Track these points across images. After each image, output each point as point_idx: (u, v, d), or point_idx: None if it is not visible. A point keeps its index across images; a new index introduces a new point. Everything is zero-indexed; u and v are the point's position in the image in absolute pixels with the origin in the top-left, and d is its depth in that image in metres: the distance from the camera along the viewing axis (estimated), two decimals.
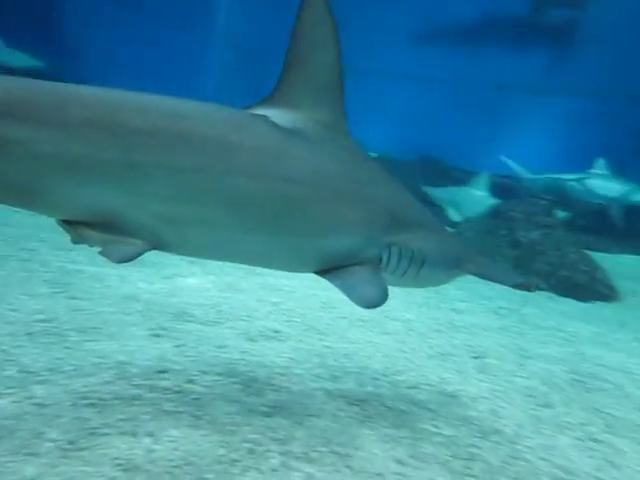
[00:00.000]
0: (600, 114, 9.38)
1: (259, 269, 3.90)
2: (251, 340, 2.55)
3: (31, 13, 9.26)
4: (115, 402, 1.72)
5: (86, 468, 1.38)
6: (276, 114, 1.67)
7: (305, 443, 1.63)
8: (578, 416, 2.35)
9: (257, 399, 1.88)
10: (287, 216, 1.65)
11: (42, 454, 1.42)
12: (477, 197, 8.08)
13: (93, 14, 10.37)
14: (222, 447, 1.56)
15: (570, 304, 5.05)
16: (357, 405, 2.04)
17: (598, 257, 7.60)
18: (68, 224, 1.51)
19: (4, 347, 2.00)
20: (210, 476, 1.43)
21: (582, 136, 9.52)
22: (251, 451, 1.56)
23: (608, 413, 2.43)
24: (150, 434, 1.57)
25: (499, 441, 1.97)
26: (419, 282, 2.00)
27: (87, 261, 3.31)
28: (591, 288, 5.39)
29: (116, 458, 1.44)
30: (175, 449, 1.51)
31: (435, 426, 2.00)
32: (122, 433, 1.54)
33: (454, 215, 8.16)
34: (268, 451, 1.54)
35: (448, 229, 2.23)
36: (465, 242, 2.16)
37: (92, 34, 10.20)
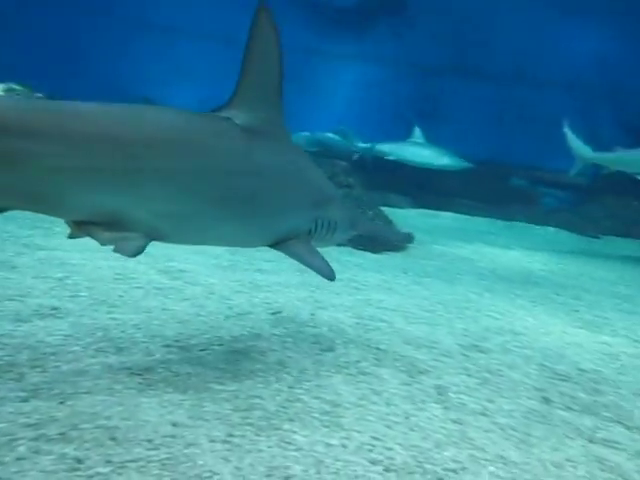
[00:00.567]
0: (388, 80, 10.37)
1: (33, 245, 3.49)
2: (19, 321, 2.28)
3: None
4: None
5: None
6: (236, 115, 2.01)
7: (65, 423, 1.53)
8: (354, 355, 2.64)
9: (14, 385, 1.69)
10: (250, 204, 2.05)
11: None
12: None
13: None
14: None
15: (366, 257, 5.57)
16: (140, 375, 1.98)
17: (392, 212, 8.57)
18: (77, 224, 1.71)
19: None
20: None
21: (376, 100, 10.45)
22: None
23: (378, 348, 2.77)
24: None
25: (280, 388, 2.11)
26: (329, 243, 2.65)
27: None
28: (384, 241, 6.02)
29: None
30: None
31: (220, 383, 2.06)
32: None
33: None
34: (15, 439, 1.41)
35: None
36: (356, 210, 2.91)
37: None
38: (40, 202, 1.64)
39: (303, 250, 2.37)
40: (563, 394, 2.39)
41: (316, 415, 1.92)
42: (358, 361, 2.57)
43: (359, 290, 4.07)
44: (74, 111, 1.63)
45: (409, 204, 9.48)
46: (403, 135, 9.72)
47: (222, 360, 2.29)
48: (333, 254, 5.43)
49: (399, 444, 1.79)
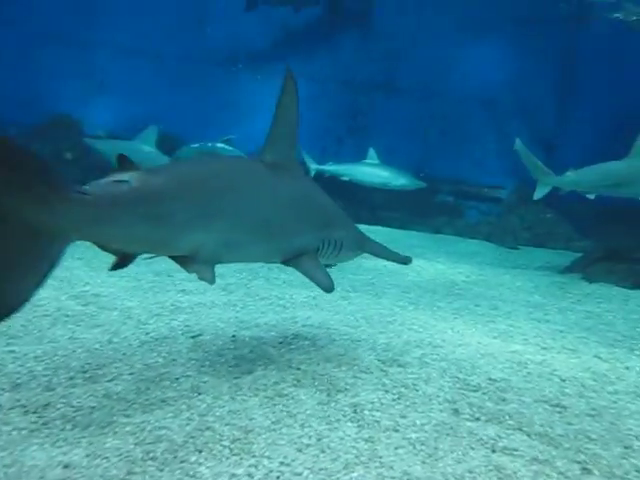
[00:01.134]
0: (318, 97, 10.55)
1: None
2: None
3: None
4: None
5: None
6: (265, 157, 2.63)
7: None
8: (273, 376, 2.62)
9: None
10: (274, 228, 2.57)
11: None
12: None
13: None
14: None
15: (296, 273, 5.57)
16: (35, 413, 1.87)
17: None
18: (173, 258, 2.24)
19: None
20: None
21: (306, 115, 10.60)
22: None
23: (299, 368, 2.77)
24: None
25: (190, 417, 2.06)
26: (337, 260, 3.16)
27: None
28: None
29: None
30: None
31: (127, 416, 1.98)
32: None
33: None
34: None
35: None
36: (363, 232, 3.31)
37: None
38: (160, 248, 2.20)
39: (309, 265, 2.81)
40: (472, 405, 2.49)
41: (226, 443, 1.89)
42: (277, 383, 2.56)
43: (285, 308, 4.07)
44: (190, 177, 2.27)
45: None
46: (339, 154, 9.88)
47: (131, 390, 2.20)
48: (262, 272, 5.42)
49: (308, 468, 1.79)
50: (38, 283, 1.68)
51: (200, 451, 1.81)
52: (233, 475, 1.68)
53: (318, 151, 9.90)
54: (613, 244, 6.66)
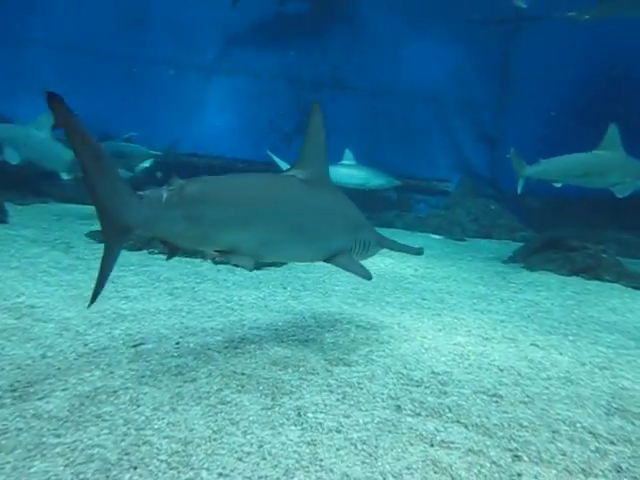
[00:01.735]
0: (266, 95, 10.50)
1: None
2: None
3: None
4: None
5: None
6: (299, 174, 3.08)
7: None
8: (217, 384, 2.59)
9: None
10: (313, 231, 3.10)
11: None
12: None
13: None
14: None
15: (244, 274, 5.53)
16: None
17: None
18: (218, 252, 2.79)
19: None
20: None
21: (253, 114, 10.51)
22: None
23: (244, 373, 2.75)
24: None
25: (127, 432, 2.00)
26: (365, 256, 3.53)
27: None
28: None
29: None
30: None
31: (57, 436, 1.90)
32: None
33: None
34: None
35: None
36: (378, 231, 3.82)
37: None
38: (202, 242, 2.75)
39: (346, 262, 3.27)
40: (414, 400, 2.55)
41: (163, 457, 1.85)
42: (220, 390, 2.53)
43: (234, 311, 4.02)
44: (223, 186, 2.83)
45: None
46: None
47: (64, 408, 2.12)
48: (210, 274, 5.34)
49: (247, 477, 1.79)
50: (114, 261, 2.48)
51: (135, 468, 1.76)
52: None
53: (269, 148, 9.82)
54: (552, 233, 6.97)
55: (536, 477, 1.88)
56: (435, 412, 2.43)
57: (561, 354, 3.40)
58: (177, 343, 3.12)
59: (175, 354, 2.94)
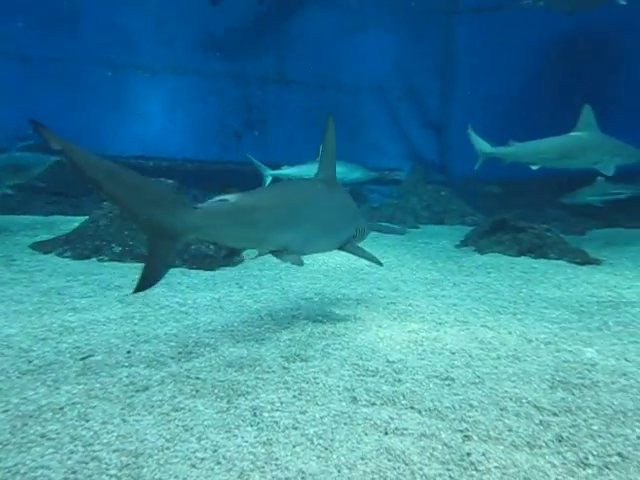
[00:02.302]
0: (211, 93, 10.32)
1: None
2: None
3: None
4: None
5: None
6: (321, 179, 3.74)
7: None
8: (170, 391, 2.54)
9: None
10: (332, 227, 3.69)
11: None
12: None
13: None
14: None
15: (200, 275, 5.45)
16: None
17: None
18: (271, 252, 3.27)
19: None
20: None
21: (200, 113, 10.31)
22: None
23: (198, 378, 2.71)
24: None
25: (74, 449, 1.94)
26: (361, 240, 4.08)
27: None
28: (218, 256, 5.95)
29: None
30: None
31: None
32: None
33: None
34: None
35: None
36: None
37: None
38: (257, 243, 3.26)
39: (353, 248, 3.86)
40: (369, 390, 2.58)
41: (113, 472, 1.80)
42: (174, 396, 2.48)
43: (188, 315, 3.96)
44: (271, 195, 3.43)
45: None
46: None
47: (5, 430, 2.03)
48: (163, 279, 5.22)
49: None
50: (168, 266, 2.92)
51: None
52: None
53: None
54: (500, 216, 7.19)
55: (484, 454, 1.95)
56: (390, 400, 2.47)
57: (510, 333, 3.53)
58: (128, 352, 3.04)
59: (126, 364, 2.87)
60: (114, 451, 1.94)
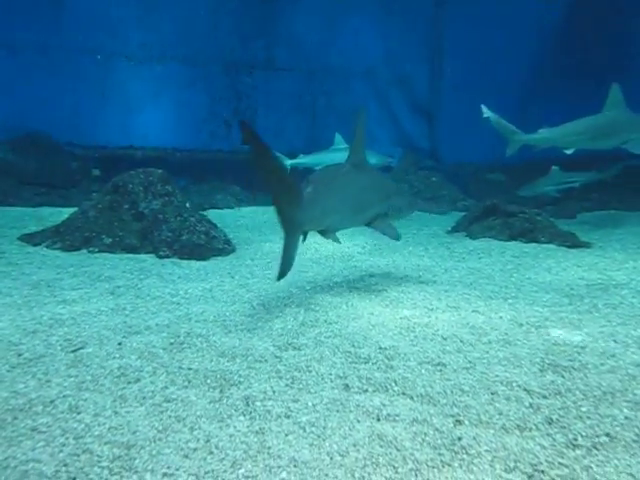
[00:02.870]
0: (200, 80, 10.17)
1: None
2: None
3: None
4: None
5: None
6: (352, 162, 4.12)
7: None
8: (162, 382, 2.54)
9: None
10: (361, 205, 4.09)
11: None
12: None
13: None
14: None
15: (191, 266, 5.42)
16: None
17: (220, 214, 8.48)
18: (319, 232, 3.80)
19: None
20: None
21: (188, 101, 10.17)
22: None
23: (190, 368, 2.70)
24: None
25: (65, 442, 1.93)
26: (399, 217, 4.59)
27: None
28: (210, 246, 5.93)
29: None
30: None
31: None
32: None
33: None
34: None
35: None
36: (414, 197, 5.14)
37: None
38: (312, 226, 3.66)
39: (381, 225, 4.22)
40: (361, 377, 2.59)
41: (105, 464, 1.80)
42: (165, 387, 2.48)
43: (179, 305, 3.94)
44: (328, 183, 3.87)
45: (239, 203, 9.48)
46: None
47: None
48: (155, 269, 5.20)
49: (193, 474, 1.77)
50: (295, 253, 3.44)
51: (74, 478, 1.70)
52: None
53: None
54: (490, 201, 7.20)
55: (475, 438, 1.96)
56: (382, 387, 2.48)
57: (501, 317, 3.55)
58: (119, 344, 3.03)
59: (117, 355, 2.86)
60: (106, 443, 1.94)
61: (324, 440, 2.01)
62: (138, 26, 10.04)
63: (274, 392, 2.45)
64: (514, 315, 3.60)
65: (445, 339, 3.13)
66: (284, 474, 1.78)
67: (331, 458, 1.87)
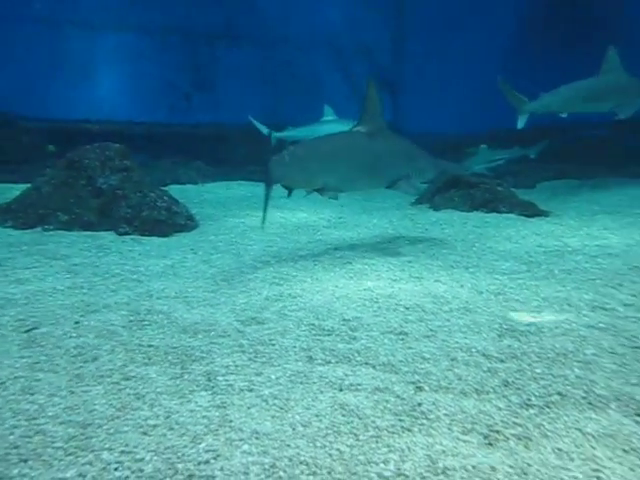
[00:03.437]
0: (156, 51, 9.77)
1: None
2: None
3: None
4: None
5: None
6: (362, 129, 4.46)
7: None
8: (121, 359, 2.48)
9: None
10: (376, 167, 4.47)
11: None
12: None
13: None
14: None
15: (153, 242, 5.28)
16: None
17: (183, 190, 8.29)
18: (317, 190, 4.24)
19: None
20: None
21: (146, 73, 9.78)
22: None
23: (151, 345, 2.65)
24: None
25: (17, 424, 1.86)
26: (422, 179, 5.12)
27: None
28: (171, 222, 5.78)
29: None
30: None
31: None
32: None
33: None
34: None
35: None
36: (442, 160, 5.27)
37: None
38: (307, 184, 4.26)
39: (403, 186, 4.58)
40: (325, 349, 2.60)
41: (59, 444, 1.75)
42: (124, 365, 2.43)
43: (140, 282, 3.85)
44: (317, 146, 4.51)
45: (203, 178, 9.27)
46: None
47: None
48: (114, 246, 5.05)
49: (152, 451, 1.74)
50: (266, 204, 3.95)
51: (25, 460, 1.65)
52: None
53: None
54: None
55: (434, 404, 2.00)
56: (345, 358, 2.50)
57: (462, 286, 3.61)
58: (76, 322, 2.94)
59: (74, 334, 2.77)
60: (60, 423, 1.88)
61: (287, 412, 2.01)
62: None
63: (237, 366, 2.43)
64: (475, 283, 3.67)
65: (408, 309, 3.16)
66: (245, 446, 1.77)
67: (293, 429, 1.87)
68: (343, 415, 1.95)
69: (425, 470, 1.62)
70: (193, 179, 9.09)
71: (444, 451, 1.69)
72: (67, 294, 3.48)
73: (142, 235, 5.49)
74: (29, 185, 6.10)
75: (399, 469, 1.63)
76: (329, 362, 2.46)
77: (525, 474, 1.57)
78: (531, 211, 6.15)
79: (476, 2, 10.23)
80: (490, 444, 1.73)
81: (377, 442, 1.78)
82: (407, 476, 1.59)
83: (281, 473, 1.62)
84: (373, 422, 1.90)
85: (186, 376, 2.33)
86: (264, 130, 9.22)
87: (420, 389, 2.13)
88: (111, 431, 1.85)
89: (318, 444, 1.78)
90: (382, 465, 1.65)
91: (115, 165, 6.15)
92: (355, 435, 1.83)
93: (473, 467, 1.61)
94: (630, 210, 6.04)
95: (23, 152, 8.63)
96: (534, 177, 9.16)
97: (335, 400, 2.07)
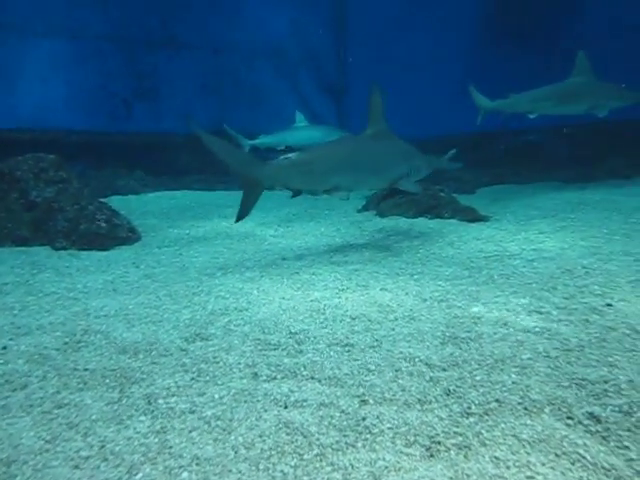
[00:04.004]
0: (91, 58, 9.42)
1: None
2: None
3: None
4: None
5: None
6: (369, 134, 4.91)
7: None
8: (53, 386, 2.34)
9: None
10: (379, 167, 4.90)
11: None
12: None
13: None
14: None
15: (91, 257, 5.07)
16: None
17: (124, 200, 8.02)
18: (326, 191, 4.67)
19: None
20: None
21: (80, 80, 9.40)
22: None
23: (87, 369, 2.52)
24: None
25: None
26: (420, 177, 5.36)
27: None
28: (112, 235, 5.57)
29: None
30: None
31: None
32: None
33: None
34: None
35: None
36: (433, 156, 5.62)
37: None
38: (313, 185, 4.87)
39: (403, 183, 4.96)
40: (270, 365, 2.56)
41: None
42: (57, 392, 2.30)
43: (77, 300, 3.68)
44: (321, 151, 4.89)
45: (144, 188, 9.01)
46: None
47: None
48: (50, 262, 4.80)
49: None
50: (252, 206, 4.47)
51: None
52: None
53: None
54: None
55: (378, 417, 2.01)
56: (291, 373, 2.47)
57: (407, 294, 3.66)
58: (4, 347, 2.76)
59: (1, 361, 2.60)
60: None
61: (229, 433, 1.96)
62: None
63: (178, 387, 2.35)
64: (419, 291, 3.73)
65: (354, 319, 3.17)
66: (185, 474, 1.71)
67: (236, 452, 1.82)
68: (287, 434, 1.92)
69: None
70: (134, 189, 8.81)
71: (387, 467, 1.69)
72: None
73: (80, 250, 5.27)
74: None
75: None
76: (274, 378, 2.42)
77: None
78: (472, 216, 6.35)
79: (420, 6, 10.42)
80: (432, 455, 1.75)
81: (321, 461, 1.76)
82: None
83: None
84: (317, 440, 1.88)
85: (124, 400, 2.23)
86: (241, 139, 9.22)
87: (365, 402, 2.13)
88: (38, 467, 1.74)
89: (261, 467, 1.74)
90: None
91: (50, 177, 5.90)
92: (299, 455, 1.81)
93: None
94: (564, 214, 6.35)
95: None
96: (473, 182, 9.49)
97: (279, 418, 2.04)
